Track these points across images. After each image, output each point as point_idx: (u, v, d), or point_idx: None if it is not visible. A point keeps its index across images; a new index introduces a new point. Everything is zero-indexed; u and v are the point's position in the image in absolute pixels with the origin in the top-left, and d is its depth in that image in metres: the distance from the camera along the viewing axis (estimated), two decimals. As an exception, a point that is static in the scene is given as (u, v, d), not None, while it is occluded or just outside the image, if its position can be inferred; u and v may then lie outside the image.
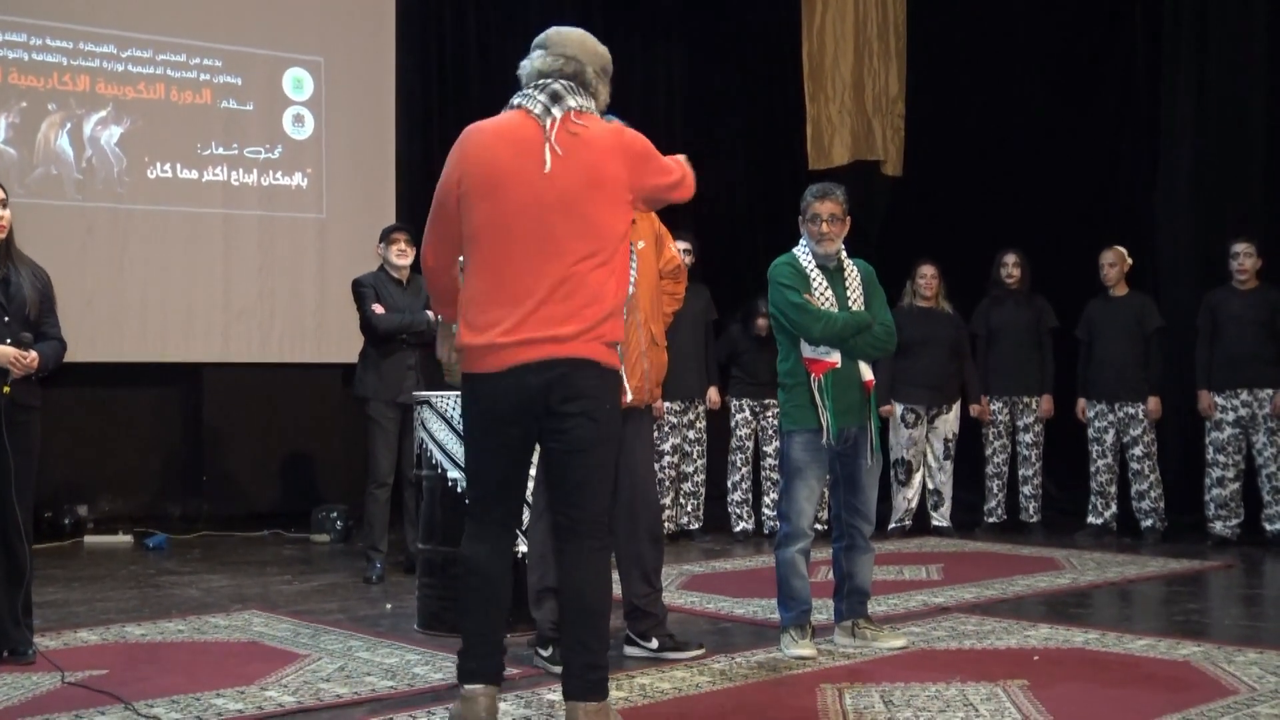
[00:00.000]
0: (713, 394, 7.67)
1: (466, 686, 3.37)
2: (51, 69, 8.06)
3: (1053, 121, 9.08)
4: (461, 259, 3.48)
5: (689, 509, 7.72)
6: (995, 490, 8.06)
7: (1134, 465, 7.56)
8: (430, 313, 6.17)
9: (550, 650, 4.14)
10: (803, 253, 4.51)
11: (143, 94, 8.33)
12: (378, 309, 6.31)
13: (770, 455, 7.64)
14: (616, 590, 3.89)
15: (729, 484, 7.82)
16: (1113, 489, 7.67)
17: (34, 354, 4.26)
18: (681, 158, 3.62)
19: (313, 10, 8.93)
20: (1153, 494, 7.52)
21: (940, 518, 7.88)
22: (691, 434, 7.62)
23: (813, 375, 4.38)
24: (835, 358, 4.39)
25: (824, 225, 4.45)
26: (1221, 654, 4.31)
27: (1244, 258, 7.17)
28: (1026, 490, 8.00)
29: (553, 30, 3.52)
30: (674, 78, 10.72)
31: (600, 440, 3.32)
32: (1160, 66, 8.34)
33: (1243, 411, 7.15)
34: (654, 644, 4.35)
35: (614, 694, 3.52)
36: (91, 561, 7.04)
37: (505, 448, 3.35)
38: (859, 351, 4.43)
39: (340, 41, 8.98)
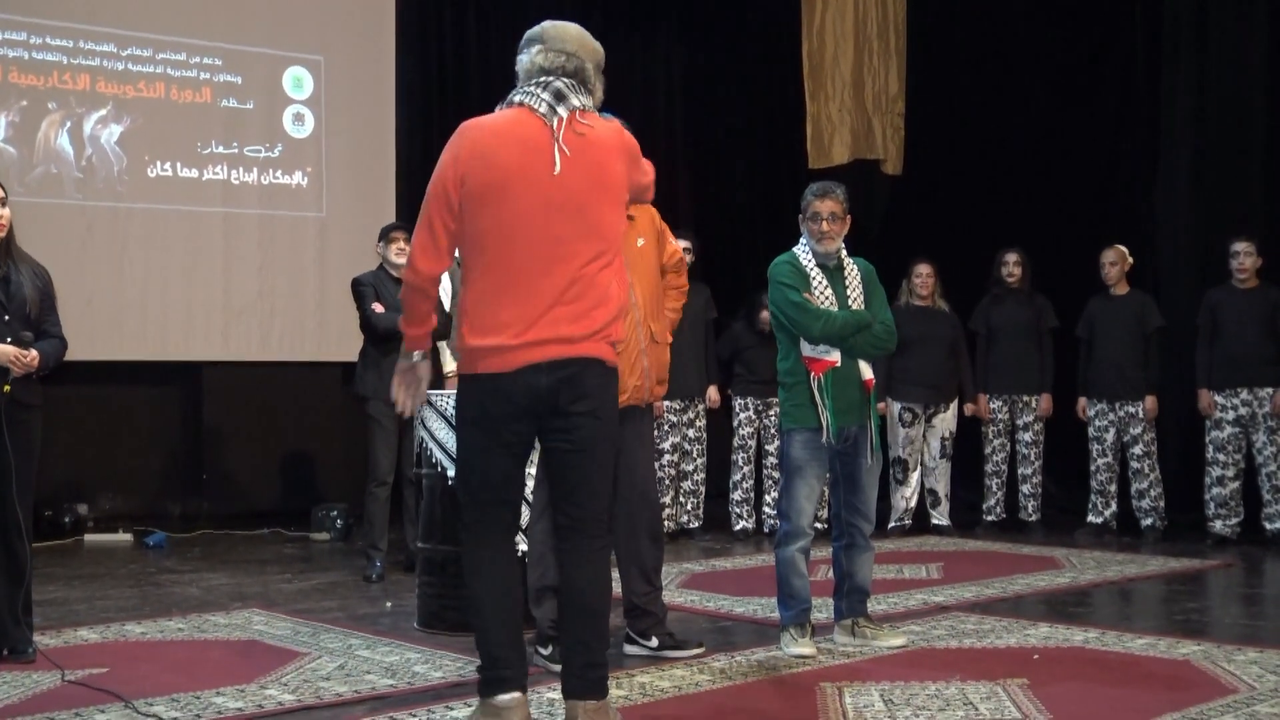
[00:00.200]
0: (712, 393, 7.66)
1: (500, 697, 3.27)
2: (51, 68, 8.06)
3: (1053, 121, 9.08)
4: (459, 259, 3.46)
5: (689, 508, 7.72)
6: (995, 489, 8.06)
7: (1134, 464, 7.56)
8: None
9: (550, 649, 4.14)
10: (803, 251, 4.51)
11: (143, 93, 8.33)
12: (377, 308, 6.31)
13: (772, 454, 7.63)
14: (616, 589, 3.89)
15: (730, 482, 7.82)
16: (1113, 488, 7.67)
17: (34, 353, 4.26)
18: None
19: (313, 9, 8.93)
20: (1153, 493, 7.52)
21: (939, 516, 7.89)
22: (691, 433, 7.62)
23: (813, 374, 4.38)
24: (835, 356, 4.39)
25: (824, 224, 4.45)
26: (1221, 653, 4.31)
27: (1244, 257, 7.17)
28: (1026, 489, 8.00)
29: (548, 24, 3.45)
30: (674, 76, 10.71)
31: (603, 439, 3.32)
32: (1160, 66, 8.34)
33: (1243, 410, 7.15)
34: (654, 642, 4.36)
35: (614, 692, 3.52)
36: (91, 560, 7.04)
37: (509, 447, 3.32)
38: (859, 350, 4.44)
39: (340, 40, 8.98)
